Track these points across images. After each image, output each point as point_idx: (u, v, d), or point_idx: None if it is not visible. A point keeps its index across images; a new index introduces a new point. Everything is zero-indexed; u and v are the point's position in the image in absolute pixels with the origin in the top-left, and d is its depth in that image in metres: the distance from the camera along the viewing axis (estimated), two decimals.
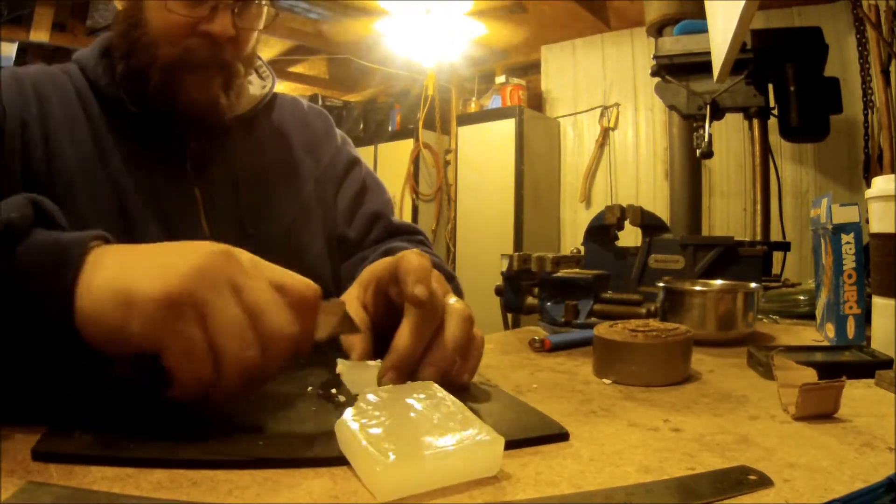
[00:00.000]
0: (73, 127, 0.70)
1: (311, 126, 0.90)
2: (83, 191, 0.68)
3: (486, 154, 3.71)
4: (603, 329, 0.67)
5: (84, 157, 0.69)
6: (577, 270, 1.08)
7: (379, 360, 0.52)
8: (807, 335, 0.95)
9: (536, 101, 3.93)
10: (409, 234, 0.89)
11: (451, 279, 0.75)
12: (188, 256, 0.40)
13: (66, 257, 0.40)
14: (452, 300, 0.53)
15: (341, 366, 0.52)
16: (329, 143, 0.91)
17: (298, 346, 0.43)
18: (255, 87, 0.83)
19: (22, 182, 0.65)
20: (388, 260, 0.56)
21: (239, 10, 0.70)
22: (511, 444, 0.39)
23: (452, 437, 0.36)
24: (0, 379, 0.40)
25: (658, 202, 3.33)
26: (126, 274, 0.39)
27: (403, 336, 0.49)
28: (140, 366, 0.40)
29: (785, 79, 1.65)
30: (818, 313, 0.96)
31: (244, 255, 0.43)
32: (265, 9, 0.74)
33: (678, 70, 1.69)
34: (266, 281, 0.42)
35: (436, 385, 0.45)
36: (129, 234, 0.67)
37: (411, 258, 0.52)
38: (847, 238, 0.81)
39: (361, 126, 4.50)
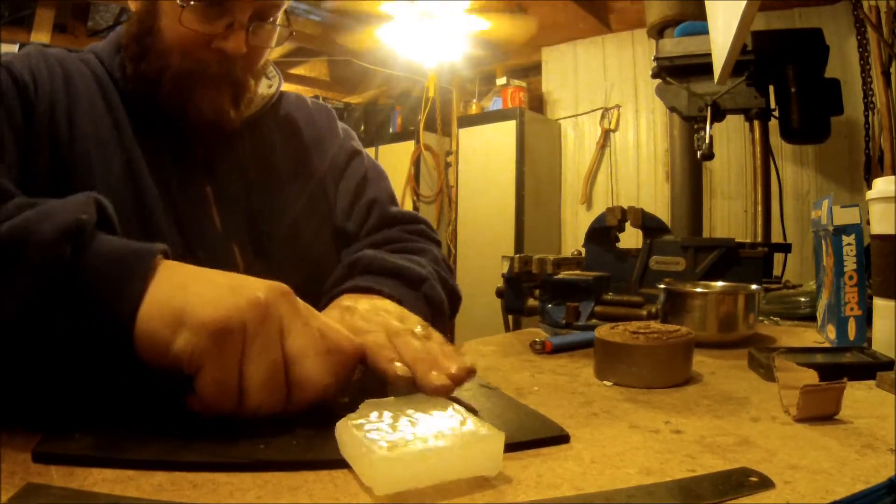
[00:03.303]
0: (93, 110, 0.70)
1: (316, 122, 0.91)
2: (101, 174, 0.67)
3: (486, 156, 3.71)
4: (604, 331, 0.67)
5: (103, 140, 0.69)
6: (578, 272, 1.08)
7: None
8: (808, 337, 0.95)
9: (537, 102, 3.93)
10: (408, 224, 0.88)
11: (444, 282, 0.75)
12: (249, 288, 0.41)
13: (136, 270, 0.41)
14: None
15: None
16: (333, 137, 0.91)
17: (327, 395, 0.44)
18: (262, 86, 0.83)
19: (49, 161, 0.64)
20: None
21: (254, 28, 0.69)
22: (512, 446, 0.39)
23: (452, 432, 0.36)
24: (4, 379, 0.40)
25: (659, 204, 3.33)
26: (183, 293, 0.40)
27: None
28: (172, 376, 0.41)
29: (786, 80, 1.65)
30: (819, 315, 0.96)
31: (300, 300, 0.44)
32: (279, 28, 0.74)
33: (679, 72, 1.69)
34: (314, 328, 0.43)
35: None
36: (144, 225, 0.67)
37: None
38: (848, 239, 0.81)
39: (362, 128, 4.50)
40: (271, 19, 0.72)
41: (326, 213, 0.86)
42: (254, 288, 0.41)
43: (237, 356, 0.40)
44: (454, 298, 0.79)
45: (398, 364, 0.49)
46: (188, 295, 0.40)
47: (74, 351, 0.41)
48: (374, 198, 0.88)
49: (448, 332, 0.66)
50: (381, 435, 0.36)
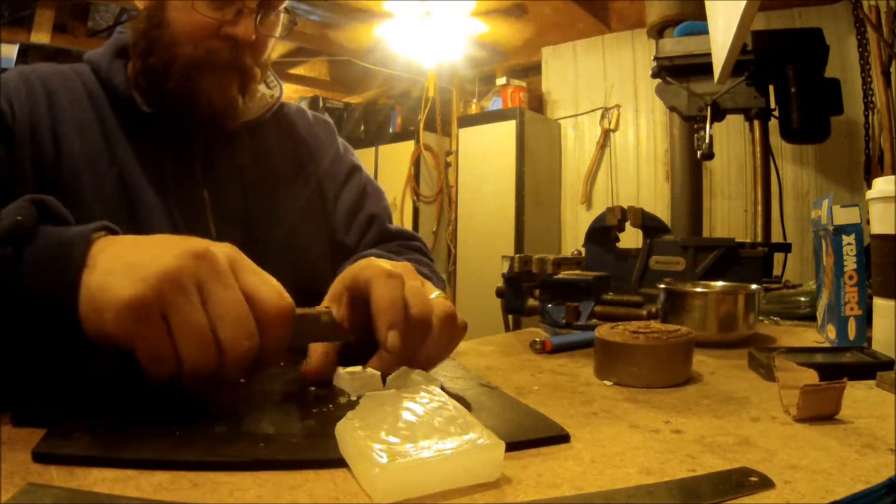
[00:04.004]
0: (82, 125, 0.70)
1: (316, 132, 0.92)
2: (91, 189, 0.68)
3: (486, 156, 3.71)
4: (604, 331, 0.67)
5: (93, 155, 0.69)
6: (578, 272, 1.08)
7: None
8: (808, 337, 0.95)
9: (537, 102, 3.93)
10: (406, 240, 0.89)
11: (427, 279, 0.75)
12: (161, 258, 0.41)
13: (70, 255, 0.42)
14: (434, 294, 0.55)
15: (340, 375, 0.52)
16: (330, 146, 0.92)
17: (266, 357, 0.44)
18: (264, 94, 0.84)
19: (33, 182, 0.65)
20: (354, 269, 0.56)
21: (261, 16, 0.71)
22: (512, 446, 0.39)
23: (452, 440, 0.36)
24: (2, 380, 0.41)
25: (659, 204, 3.33)
26: (106, 276, 0.41)
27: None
28: (121, 357, 0.42)
29: (786, 80, 1.65)
30: (819, 315, 0.96)
31: (222, 257, 0.43)
32: (283, 17, 0.76)
33: (679, 71, 1.69)
34: (237, 289, 0.43)
35: (438, 389, 0.45)
36: (138, 233, 0.68)
37: (381, 292, 0.51)
38: (848, 239, 0.81)
39: (362, 128, 4.51)
40: (277, 9, 0.74)
41: (322, 220, 0.86)
42: (166, 255, 0.41)
43: (162, 327, 0.40)
44: None
45: (391, 333, 0.50)
46: (108, 276, 0.41)
47: (41, 340, 0.43)
48: (374, 213, 0.89)
49: None
50: (383, 440, 0.36)
